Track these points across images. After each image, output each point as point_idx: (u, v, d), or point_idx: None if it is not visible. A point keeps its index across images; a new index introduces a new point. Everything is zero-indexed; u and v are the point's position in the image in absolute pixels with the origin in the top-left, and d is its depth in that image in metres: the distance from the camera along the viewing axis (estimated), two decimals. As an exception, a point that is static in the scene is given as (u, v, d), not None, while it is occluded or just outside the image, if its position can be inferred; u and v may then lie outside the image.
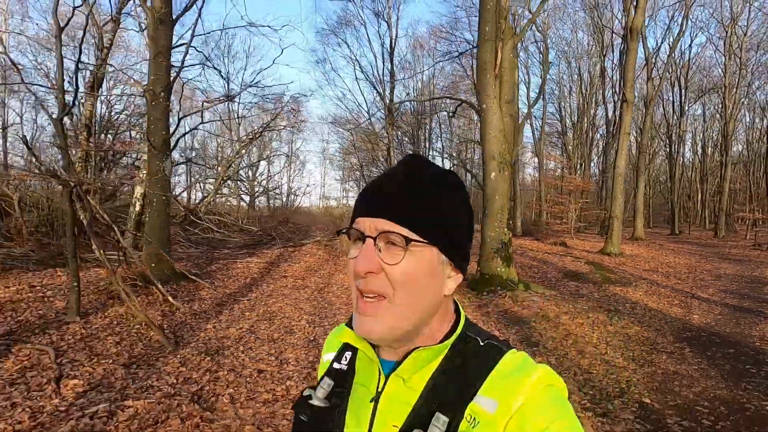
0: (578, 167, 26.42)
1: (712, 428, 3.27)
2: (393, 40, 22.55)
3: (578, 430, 0.54)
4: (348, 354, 0.72)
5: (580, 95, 27.63)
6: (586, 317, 6.03)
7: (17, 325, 4.62)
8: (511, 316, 5.98)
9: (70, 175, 5.04)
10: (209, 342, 4.68)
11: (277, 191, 29.44)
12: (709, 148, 30.01)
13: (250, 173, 24.28)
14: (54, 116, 5.16)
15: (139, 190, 11.03)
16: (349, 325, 0.69)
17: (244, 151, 18.04)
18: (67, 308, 5.14)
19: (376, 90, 23.45)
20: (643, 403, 3.65)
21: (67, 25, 5.36)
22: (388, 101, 22.16)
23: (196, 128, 11.76)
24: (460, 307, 0.69)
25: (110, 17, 10.64)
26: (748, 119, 29.00)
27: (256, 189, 23.70)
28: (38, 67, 17.45)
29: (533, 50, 25.37)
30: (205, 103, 9.75)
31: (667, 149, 27.07)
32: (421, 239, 0.59)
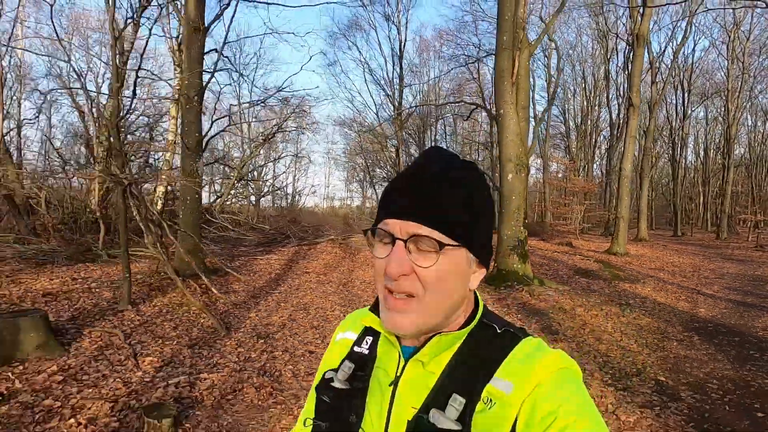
0: (581, 169, 26.79)
1: (721, 400, 3.70)
2: (402, 44, 22.98)
3: (590, 411, 0.55)
4: (369, 339, 0.73)
5: (584, 98, 28.00)
6: (599, 309, 6.44)
7: (77, 312, 5.02)
8: (529, 308, 6.38)
9: (125, 174, 5.45)
10: (256, 328, 5.08)
11: (282, 191, 29.85)
12: (712, 151, 30.35)
13: (256, 173, 24.70)
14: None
15: (160, 189, 11.44)
16: (372, 309, 0.71)
17: (256, 152, 18.46)
18: (118, 297, 5.55)
19: (385, 92, 23.90)
20: (659, 381, 4.06)
21: (120, 35, 5.78)
22: (397, 104, 22.56)
23: (224, 130, 12.16)
24: (479, 296, 0.71)
25: (131, 21, 11.09)
26: (750, 122, 29.27)
27: (264, 189, 24.12)
28: (52, 68, 17.86)
29: (539, 54, 25.78)
30: (232, 107, 10.15)
31: (670, 152, 27.42)
32: (453, 242, 0.60)
